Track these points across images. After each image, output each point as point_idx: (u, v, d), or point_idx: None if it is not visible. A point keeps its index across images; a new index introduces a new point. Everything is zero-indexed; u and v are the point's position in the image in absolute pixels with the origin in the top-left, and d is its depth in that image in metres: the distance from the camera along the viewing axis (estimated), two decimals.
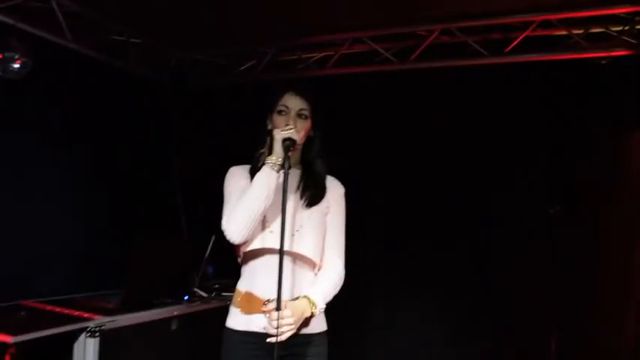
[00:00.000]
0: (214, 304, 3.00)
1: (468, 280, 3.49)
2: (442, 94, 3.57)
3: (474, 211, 3.54)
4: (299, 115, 2.07)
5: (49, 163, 3.42)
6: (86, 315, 2.37)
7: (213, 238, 3.16)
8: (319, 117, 2.13)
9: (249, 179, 2.08)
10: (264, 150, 2.13)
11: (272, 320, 1.87)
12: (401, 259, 3.66)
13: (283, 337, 1.87)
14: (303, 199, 2.06)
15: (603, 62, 3.26)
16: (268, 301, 1.99)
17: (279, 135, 1.94)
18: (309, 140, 2.11)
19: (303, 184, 2.09)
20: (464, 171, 3.55)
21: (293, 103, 2.08)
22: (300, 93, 2.10)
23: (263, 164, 2.03)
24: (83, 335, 2.30)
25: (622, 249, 3.26)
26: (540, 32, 3.30)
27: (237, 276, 2.93)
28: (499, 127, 3.49)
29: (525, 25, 3.26)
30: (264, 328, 1.91)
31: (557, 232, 3.31)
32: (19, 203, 3.25)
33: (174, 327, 2.72)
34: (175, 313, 2.74)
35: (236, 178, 2.12)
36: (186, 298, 2.90)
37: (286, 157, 1.92)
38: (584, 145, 3.37)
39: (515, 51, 3.33)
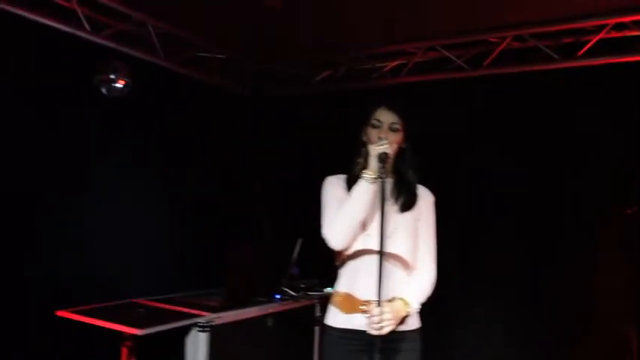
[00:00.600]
0: (303, 302, 3.22)
1: (541, 281, 3.57)
2: (514, 98, 3.66)
3: (549, 211, 3.61)
4: (391, 129, 2.26)
5: (146, 172, 3.73)
6: (195, 312, 2.62)
7: (299, 240, 3.40)
8: (410, 129, 2.31)
9: (345, 188, 2.29)
10: (360, 160, 2.33)
11: (373, 316, 2.06)
12: (475, 259, 3.77)
13: (383, 332, 2.06)
14: (397, 204, 2.24)
15: None
16: (367, 302, 2.18)
17: (374, 151, 2.13)
18: (400, 151, 2.28)
19: (397, 192, 2.27)
20: (539, 173, 3.62)
21: (385, 117, 2.27)
22: (392, 108, 2.29)
23: (359, 176, 2.23)
24: (195, 330, 2.55)
25: None
26: (614, 34, 3.34)
27: (320, 276, 3.14)
28: (573, 127, 3.55)
29: (598, 28, 3.32)
30: (367, 325, 2.10)
31: (633, 232, 3.36)
32: (121, 213, 3.58)
33: (269, 323, 2.95)
34: (270, 310, 2.97)
35: (333, 187, 2.32)
36: (278, 297, 3.13)
37: (382, 170, 2.11)
38: None
39: (588, 54, 3.39)
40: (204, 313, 2.60)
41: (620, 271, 3.42)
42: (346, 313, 2.26)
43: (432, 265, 2.31)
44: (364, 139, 2.33)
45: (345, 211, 2.17)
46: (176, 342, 2.68)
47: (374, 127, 2.28)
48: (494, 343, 3.67)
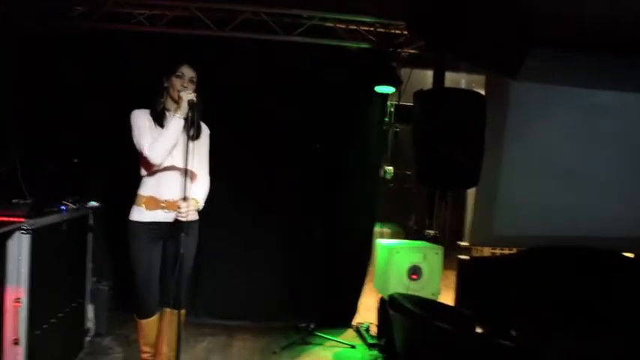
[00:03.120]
0: (82, 212, 3.83)
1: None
2: (249, 55, 4.85)
3: (265, 142, 4.95)
4: (190, 81, 3.17)
5: None
6: (12, 219, 3.02)
7: (75, 161, 3.95)
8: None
9: (151, 120, 3.12)
10: (163, 100, 3.18)
11: (182, 208, 3.00)
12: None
13: (189, 219, 3.04)
14: (191, 135, 3.16)
15: (354, 49, 4.91)
16: (167, 201, 3.11)
17: (186, 97, 3.02)
18: None
19: (189, 126, 3.17)
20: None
21: (187, 71, 3.18)
22: (193, 65, 3.19)
23: (164, 110, 3.11)
24: (17, 233, 2.99)
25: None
26: (320, 23, 4.74)
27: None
28: (284, 89, 4.94)
29: (310, 18, 4.67)
30: (177, 216, 3.03)
31: (319, 161, 4.94)
32: None
33: (64, 228, 3.51)
34: (63, 218, 3.51)
35: (142, 119, 3.16)
36: (63, 208, 3.66)
37: (190, 111, 3.02)
38: (338, 101, 5.01)
39: (303, 34, 4.73)
40: (22, 220, 3.05)
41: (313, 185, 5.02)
42: (150, 210, 3.15)
43: (208, 176, 3.36)
44: (166, 84, 3.20)
45: (164, 139, 3.04)
46: None
47: (178, 77, 3.16)
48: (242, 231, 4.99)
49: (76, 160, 3.95)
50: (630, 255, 5.14)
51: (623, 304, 4.50)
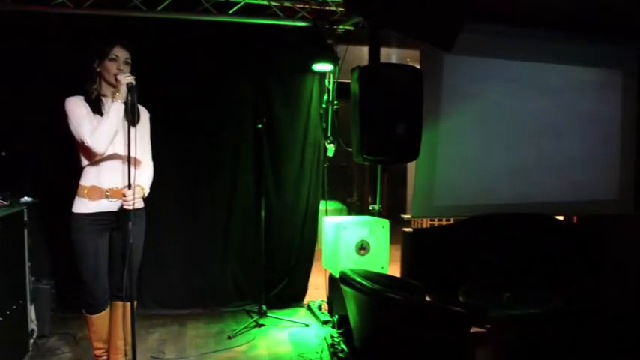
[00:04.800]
0: (17, 208, 3.60)
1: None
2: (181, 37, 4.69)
3: (207, 124, 4.84)
4: (125, 62, 3.03)
5: None
6: None
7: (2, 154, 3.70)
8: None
9: (88, 107, 2.97)
10: (96, 86, 3.02)
11: (127, 196, 2.89)
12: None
13: (136, 206, 2.94)
14: (132, 120, 3.03)
15: (290, 27, 4.86)
16: (112, 189, 2.99)
17: (125, 80, 2.89)
18: None
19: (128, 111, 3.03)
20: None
21: (121, 53, 3.04)
22: (125, 46, 3.05)
23: (100, 96, 2.96)
24: None
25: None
26: (253, 1, 4.64)
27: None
28: (221, 62, 4.84)
29: None
30: (123, 204, 2.92)
31: (261, 141, 4.89)
32: None
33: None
34: None
35: (79, 107, 3.01)
36: None
37: (130, 94, 2.89)
38: (277, 80, 4.96)
39: (237, 13, 4.62)
40: None
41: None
42: (94, 200, 3.02)
43: (151, 162, 3.26)
44: (99, 69, 3.04)
45: (105, 127, 2.91)
46: None
47: (112, 60, 3.01)
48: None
49: (4, 154, 3.70)
50: (560, 218, 5.46)
51: (558, 264, 4.79)
